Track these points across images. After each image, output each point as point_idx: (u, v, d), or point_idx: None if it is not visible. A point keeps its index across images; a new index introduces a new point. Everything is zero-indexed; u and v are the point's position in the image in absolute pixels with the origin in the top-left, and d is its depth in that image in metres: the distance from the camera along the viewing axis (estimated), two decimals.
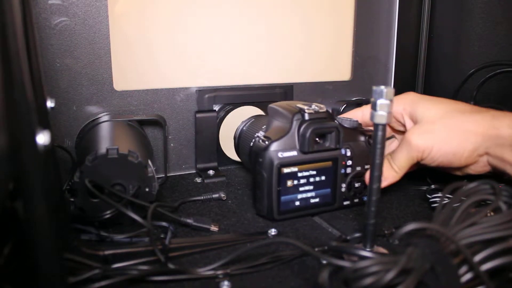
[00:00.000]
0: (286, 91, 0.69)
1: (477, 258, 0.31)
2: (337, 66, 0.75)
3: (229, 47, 0.66)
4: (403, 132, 0.56)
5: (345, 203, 0.52)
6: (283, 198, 0.48)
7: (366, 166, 0.52)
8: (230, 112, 0.65)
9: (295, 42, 0.70)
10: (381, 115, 0.35)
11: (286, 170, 0.47)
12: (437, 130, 0.49)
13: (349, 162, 0.51)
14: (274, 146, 0.47)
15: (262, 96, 0.67)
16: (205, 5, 0.63)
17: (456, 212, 0.35)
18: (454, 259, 0.31)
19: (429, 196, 0.53)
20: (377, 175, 0.36)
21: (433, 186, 0.55)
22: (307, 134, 0.47)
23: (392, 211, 0.52)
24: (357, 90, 0.76)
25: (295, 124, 0.47)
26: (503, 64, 0.68)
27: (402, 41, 0.78)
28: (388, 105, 0.34)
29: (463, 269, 0.31)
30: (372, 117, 0.35)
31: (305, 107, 0.48)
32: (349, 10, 0.74)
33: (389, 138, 0.59)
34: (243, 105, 0.66)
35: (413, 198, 0.56)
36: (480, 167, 0.50)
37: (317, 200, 0.50)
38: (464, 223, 0.33)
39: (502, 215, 0.34)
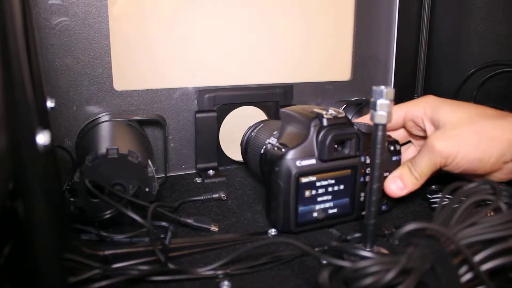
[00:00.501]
0: (286, 91, 0.69)
1: (477, 258, 0.31)
2: (337, 66, 0.75)
3: (229, 47, 0.66)
4: (421, 137, 0.55)
5: (363, 213, 0.50)
6: (300, 209, 0.45)
7: (385, 174, 0.49)
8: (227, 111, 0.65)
9: (295, 42, 0.70)
10: (381, 115, 0.35)
11: (304, 180, 0.44)
12: (462, 135, 0.47)
13: (368, 170, 0.48)
14: (291, 154, 0.44)
15: (262, 96, 0.67)
16: (205, 5, 0.63)
17: (456, 212, 0.35)
18: (454, 259, 0.31)
19: (430, 196, 0.53)
20: (377, 175, 0.36)
21: (433, 187, 0.55)
22: (327, 141, 0.44)
23: (392, 211, 0.52)
24: (357, 90, 0.76)
25: (312, 130, 0.45)
26: (503, 64, 0.68)
27: (402, 41, 0.78)
28: (388, 105, 0.34)
29: (463, 269, 0.31)
30: (372, 117, 0.35)
31: (323, 112, 0.46)
32: (349, 10, 0.74)
33: (405, 143, 0.58)
34: (240, 106, 0.66)
35: (413, 198, 0.56)
36: (504, 174, 0.48)
37: (335, 210, 0.47)
38: (464, 223, 0.33)
39: (502, 215, 0.34)
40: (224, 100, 0.65)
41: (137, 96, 0.61)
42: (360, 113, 0.75)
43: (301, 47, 0.71)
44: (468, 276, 0.31)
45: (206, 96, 0.64)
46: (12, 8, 0.26)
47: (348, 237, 0.46)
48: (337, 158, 0.46)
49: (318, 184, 0.45)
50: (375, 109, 0.35)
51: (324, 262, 0.38)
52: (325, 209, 0.47)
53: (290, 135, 0.47)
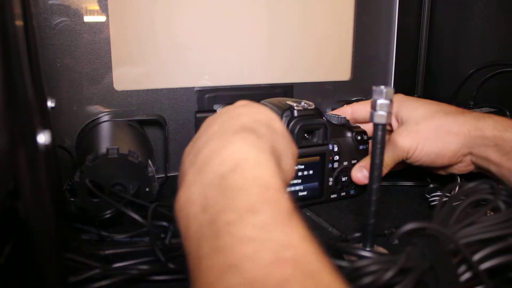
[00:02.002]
0: (286, 91, 0.69)
1: (476, 257, 0.31)
2: (337, 66, 0.75)
3: (229, 47, 0.66)
4: (389, 131, 0.58)
5: (332, 196, 0.54)
6: None
7: (353, 161, 0.54)
8: None
9: (295, 42, 0.70)
10: (381, 115, 0.35)
11: None
12: (421, 130, 0.51)
13: (336, 157, 0.53)
14: None
15: (262, 96, 0.67)
16: (205, 5, 0.63)
17: (455, 211, 0.35)
18: (454, 258, 0.31)
19: (428, 196, 0.53)
20: (377, 175, 0.36)
21: (431, 185, 0.55)
22: (296, 130, 0.48)
23: (392, 211, 0.52)
24: (357, 90, 0.76)
25: (284, 120, 0.49)
26: (503, 64, 0.68)
27: (402, 41, 0.78)
28: (388, 105, 0.34)
29: (462, 268, 0.31)
30: (372, 117, 0.35)
31: (294, 104, 0.49)
32: (349, 10, 0.74)
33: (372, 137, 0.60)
34: None
35: (413, 198, 0.56)
36: (463, 167, 0.52)
37: (305, 193, 0.52)
38: (463, 223, 0.33)
39: (501, 215, 0.34)
40: (224, 100, 0.65)
41: (137, 96, 0.61)
42: None
43: (301, 47, 0.71)
44: (467, 275, 0.31)
45: (206, 96, 0.64)
46: (13, 8, 0.26)
47: (348, 237, 0.46)
48: (306, 146, 0.50)
49: None
50: (375, 109, 0.35)
51: None
52: (295, 192, 0.51)
53: None
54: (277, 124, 0.33)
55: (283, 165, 0.32)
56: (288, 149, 0.33)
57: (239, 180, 0.24)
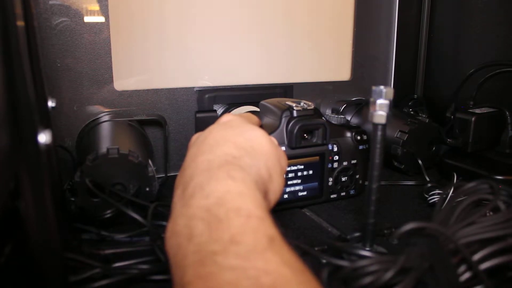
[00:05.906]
0: (286, 91, 0.69)
1: (476, 257, 0.31)
2: (337, 66, 0.75)
3: (229, 47, 0.66)
4: None
5: (332, 196, 0.54)
6: None
7: (353, 161, 0.54)
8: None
9: (295, 42, 0.70)
10: (380, 115, 0.35)
11: None
12: None
13: (336, 157, 0.53)
14: None
15: (262, 96, 0.67)
16: (205, 5, 0.63)
17: (455, 211, 0.35)
18: (453, 258, 0.31)
19: (426, 196, 0.53)
20: (376, 175, 0.36)
21: (429, 185, 0.55)
22: (295, 131, 0.48)
23: (392, 211, 0.52)
24: (357, 90, 0.76)
25: (283, 120, 0.49)
26: (503, 64, 0.68)
27: (402, 41, 0.78)
28: (387, 105, 0.35)
29: (462, 268, 0.31)
30: (371, 117, 0.35)
31: (294, 104, 0.49)
32: (349, 10, 0.74)
33: None
34: (243, 105, 0.66)
35: (413, 198, 0.56)
36: None
37: (304, 193, 0.52)
38: (463, 223, 0.33)
39: (501, 215, 0.34)
40: (224, 100, 0.65)
41: (137, 96, 0.61)
42: (360, 113, 0.75)
43: (301, 47, 0.71)
44: (466, 275, 0.31)
45: (207, 96, 0.64)
46: (14, 8, 0.26)
47: (348, 237, 0.46)
48: (305, 146, 0.50)
49: (287, 169, 0.49)
50: (374, 109, 0.35)
51: (324, 261, 0.38)
52: (295, 192, 0.51)
53: (266, 125, 0.51)
54: (261, 144, 0.34)
55: (271, 187, 0.33)
56: (276, 166, 0.34)
57: (222, 212, 0.26)
